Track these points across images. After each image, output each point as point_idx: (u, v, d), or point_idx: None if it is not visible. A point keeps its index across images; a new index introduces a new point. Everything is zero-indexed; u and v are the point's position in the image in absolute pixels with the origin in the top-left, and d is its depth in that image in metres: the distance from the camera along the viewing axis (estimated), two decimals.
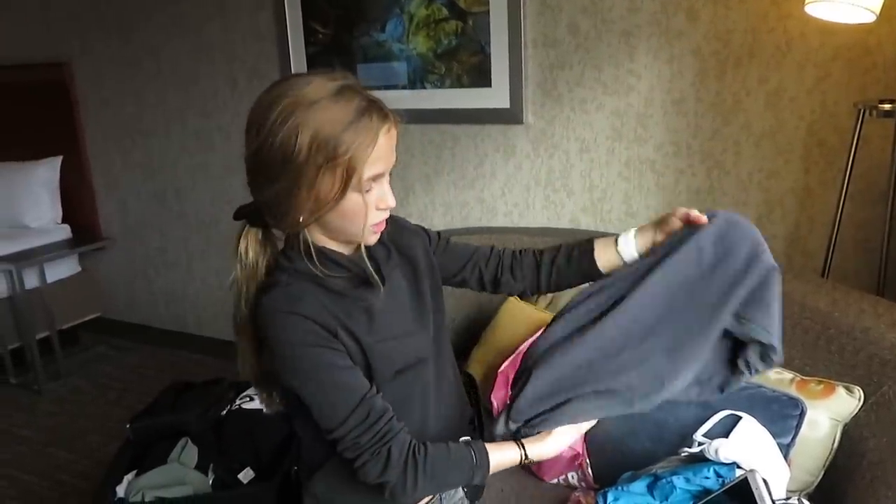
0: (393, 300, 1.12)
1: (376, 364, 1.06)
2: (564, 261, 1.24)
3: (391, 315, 1.11)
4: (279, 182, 0.98)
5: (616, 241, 1.19)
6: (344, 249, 1.08)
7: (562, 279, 1.26)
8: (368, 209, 1.01)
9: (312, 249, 1.03)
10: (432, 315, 1.18)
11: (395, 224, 1.18)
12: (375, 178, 1.00)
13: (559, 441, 1.12)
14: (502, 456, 1.09)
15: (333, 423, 1.01)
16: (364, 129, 0.96)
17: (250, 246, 1.10)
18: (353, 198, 0.99)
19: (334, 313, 1.03)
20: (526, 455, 1.10)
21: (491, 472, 1.08)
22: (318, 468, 1.14)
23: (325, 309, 1.02)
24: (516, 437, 1.12)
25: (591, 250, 1.21)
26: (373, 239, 1.07)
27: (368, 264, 1.06)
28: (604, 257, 1.20)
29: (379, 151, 0.97)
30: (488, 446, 1.09)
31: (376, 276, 1.07)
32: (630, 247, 1.17)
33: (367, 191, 0.99)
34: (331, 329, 1.01)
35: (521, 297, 1.35)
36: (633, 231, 1.18)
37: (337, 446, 1.03)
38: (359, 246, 1.06)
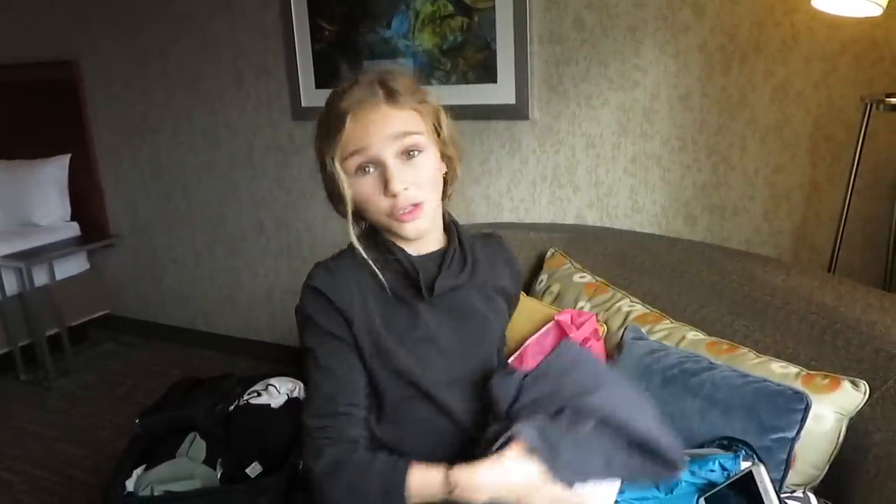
0: (440, 314, 1.10)
1: (380, 372, 1.06)
2: None
3: (436, 341, 1.09)
4: (323, 171, 1.08)
5: None
6: (410, 248, 1.09)
7: None
8: (365, 193, 1.03)
9: (379, 240, 1.08)
10: (477, 356, 1.15)
11: (495, 244, 1.22)
12: (361, 159, 1.02)
13: (502, 473, 0.94)
14: (424, 478, 0.97)
15: (307, 401, 1.06)
16: (336, 110, 1.02)
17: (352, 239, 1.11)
18: (358, 183, 1.04)
19: (365, 301, 1.05)
20: (448, 479, 0.95)
21: (415, 497, 0.97)
22: None
23: (354, 293, 1.05)
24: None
25: None
26: (405, 229, 1.05)
27: (419, 266, 1.07)
28: None
29: (349, 127, 1.01)
30: (414, 472, 0.98)
31: (425, 281, 1.07)
32: None
33: (364, 172, 1.03)
34: (347, 314, 1.04)
35: None
36: None
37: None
38: (438, 251, 1.11)
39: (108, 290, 3.77)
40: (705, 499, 1.19)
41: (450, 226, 1.15)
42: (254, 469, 1.83)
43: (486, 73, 2.45)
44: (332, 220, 3.00)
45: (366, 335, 1.05)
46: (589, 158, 2.40)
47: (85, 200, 3.63)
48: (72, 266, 3.56)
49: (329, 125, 1.02)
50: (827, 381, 1.43)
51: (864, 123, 1.82)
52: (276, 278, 3.25)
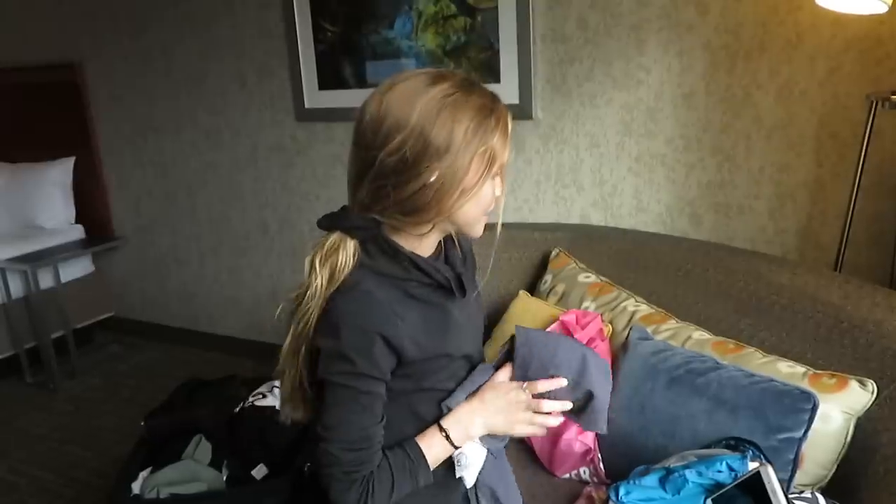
0: (466, 311, 1.14)
1: (410, 378, 1.06)
2: None
3: (463, 328, 1.12)
4: (430, 174, 0.97)
5: None
6: (424, 252, 1.08)
7: None
8: (490, 196, 1.03)
9: (399, 252, 1.03)
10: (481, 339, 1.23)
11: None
12: (496, 171, 1.02)
13: (483, 413, 1.10)
14: (429, 447, 1.07)
15: (330, 427, 1.01)
16: (500, 116, 1.01)
17: (342, 255, 1.02)
18: (488, 185, 1.02)
19: (399, 319, 1.01)
20: (448, 438, 1.08)
21: (432, 467, 1.07)
22: None
23: (391, 317, 1.01)
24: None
25: None
26: (480, 230, 1.08)
27: (449, 269, 1.09)
28: None
29: (509, 138, 1.02)
30: (419, 442, 1.07)
31: (457, 284, 1.08)
32: None
33: (490, 180, 1.02)
34: (395, 345, 1.01)
35: None
36: None
37: (319, 443, 1.03)
38: (438, 250, 1.11)
39: (112, 293, 3.78)
40: (713, 500, 1.19)
41: None
42: (259, 471, 1.83)
43: (490, 73, 2.45)
44: None
45: (414, 347, 1.03)
46: (593, 158, 2.39)
47: (89, 203, 3.64)
48: (77, 268, 3.57)
49: (503, 126, 1.01)
50: (834, 380, 1.42)
51: (870, 121, 1.81)
52: (280, 279, 3.25)
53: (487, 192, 1.02)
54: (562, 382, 1.12)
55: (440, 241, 1.12)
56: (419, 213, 1.01)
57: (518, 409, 1.11)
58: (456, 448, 1.09)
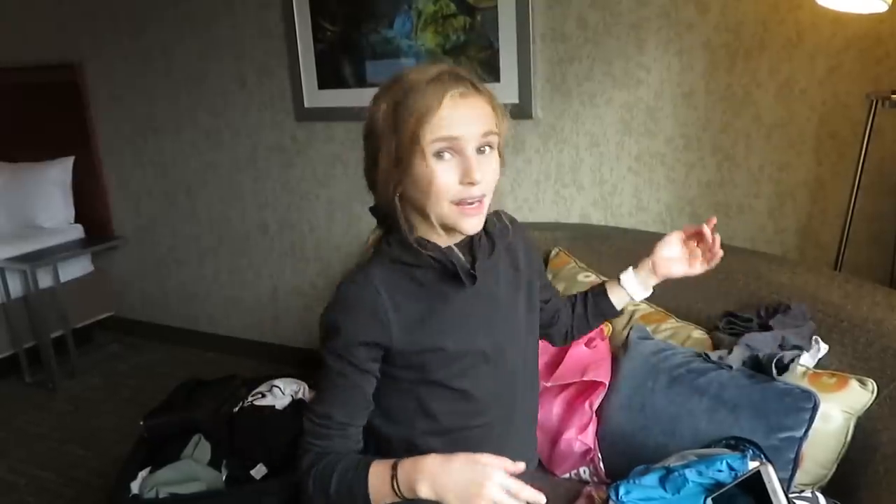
0: (485, 304, 1.13)
1: (412, 369, 1.08)
2: (583, 308, 1.38)
3: (472, 321, 1.11)
4: (367, 154, 1.06)
5: (619, 280, 1.34)
6: (444, 241, 1.07)
7: (584, 324, 1.39)
8: (438, 178, 0.99)
9: (410, 238, 1.05)
10: (524, 340, 1.20)
11: (513, 224, 1.19)
12: (446, 145, 0.99)
13: (438, 477, 0.94)
14: (376, 474, 1.00)
15: (313, 402, 1.10)
16: (430, 92, 0.98)
17: (371, 242, 1.13)
18: (421, 165, 1.00)
19: (399, 307, 1.04)
20: (395, 478, 0.97)
21: (374, 497, 0.99)
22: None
23: (378, 309, 1.04)
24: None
25: (605, 292, 1.35)
26: (467, 224, 1.04)
27: (460, 256, 1.07)
28: (615, 297, 1.35)
29: (443, 113, 0.98)
30: (374, 464, 1.01)
31: (465, 270, 1.07)
32: (632, 283, 1.32)
33: (440, 158, 0.99)
34: (383, 333, 1.04)
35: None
36: (629, 269, 1.33)
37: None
38: (467, 239, 1.09)
39: (112, 292, 3.77)
40: (713, 499, 1.18)
41: None
42: (259, 471, 1.82)
43: (489, 73, 2.45)
44: (335, 222, 3.01)
45: (406, 339, 1.05)
46: (593, 157, 2.39)
47: (89, 202, 3.63)
48: (76, 268, 3.56)
49: (415, 102, 0.98)
50: (834, 379, 1.42)
51: (870, 120, 1.81)
52: (280, 279, 3.25)
53: (423, 172, 0.99)
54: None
55: (479, 231, 1.09)
56: (376, 193, 1.07)
57: (481, 493, 0.92)
58: (399, 496, 0.97)
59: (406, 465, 0.97)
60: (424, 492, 0.95)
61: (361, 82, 2.71)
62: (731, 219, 2.22)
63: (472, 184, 1.00)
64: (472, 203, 1.02)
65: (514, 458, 0.97)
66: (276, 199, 3.13)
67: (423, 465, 0.96)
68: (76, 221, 3.62)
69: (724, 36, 2.09)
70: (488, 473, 0.92)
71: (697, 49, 2.14)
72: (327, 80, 2.78)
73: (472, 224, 1.04)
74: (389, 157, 1.01)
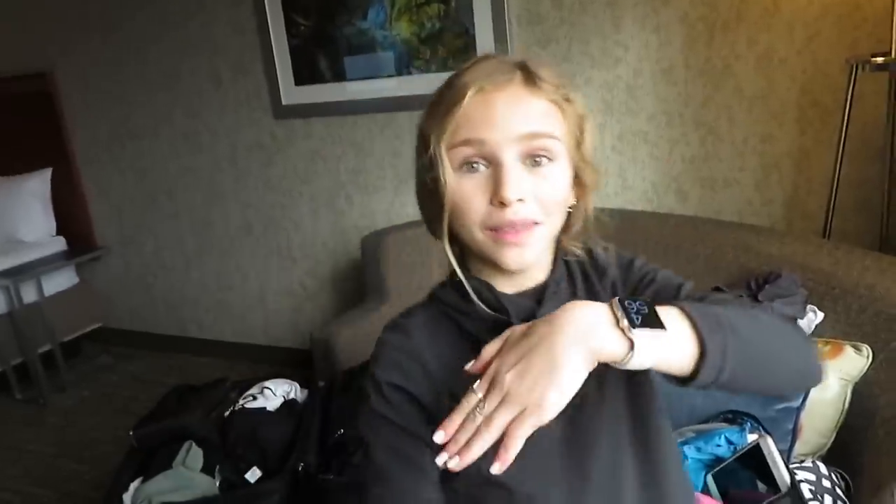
0: None
1: None
2: None
3: None
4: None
5: None
6: (503, 282, 0.84)
7: None
8: (461, 194, 0.78)
9: (462, 276, 0.83)
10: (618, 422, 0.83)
11: (624, 265, 0.95)
12: (473, 151, 0.77)
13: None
14: None
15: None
16: (458, 85, 0.79)
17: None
18: (450, 182, 0.78)
19: (424, 365, 0.82)
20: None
21: None
22: None
23: (411, 363, 0.83)
24: None
25: None
26: (506, 256, 0.78)
27: (508, 304, 0.81)
28: None
29: (468, 110, 0.77)
30: None
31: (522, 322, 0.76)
32: None
33: (469, 169, 0.78)
34: (409, 390, 0.82)
35: None
36: None
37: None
38: (539, 285, 0.84)
39: (98, 303, 3.72)
40: (713, 475, 1.17)
41: (558, 256, 0.88)
42: (253, 474, 1.80)
43: (467, 59, 2.39)
44: (320, 219, 2.98)
45: (441, 405, 0.78)
46: None
47: (69, 213, 3.58)
48: (60, 281, 3.51)
49: (442, 101, 0.79)
50: (829, 347, 1.41)
51: (851, 86, 1.79)
52: (267, 280, 3.22)
53: (461, 190, 0.78)
54: None
55: (549, 278, 0.86)
56: (430, 228, 0.85)
57: None
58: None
59: None
60: None
61: (338, 76, 2.67)
62: (718, 193, 2.21)
63: (502, 204, 0.76)
64: (513, 228, 0.77)
65: None
66: (259, 199, 3.09)
67: None
68: (58, 233, 3.57)
69: (701, 9, 2.07)
70: None
71: (675, 24, 2.12)
72: (303, 75, 2.74)
73: (513, 257, 0.78)
74: (420, 178, 0.83)
